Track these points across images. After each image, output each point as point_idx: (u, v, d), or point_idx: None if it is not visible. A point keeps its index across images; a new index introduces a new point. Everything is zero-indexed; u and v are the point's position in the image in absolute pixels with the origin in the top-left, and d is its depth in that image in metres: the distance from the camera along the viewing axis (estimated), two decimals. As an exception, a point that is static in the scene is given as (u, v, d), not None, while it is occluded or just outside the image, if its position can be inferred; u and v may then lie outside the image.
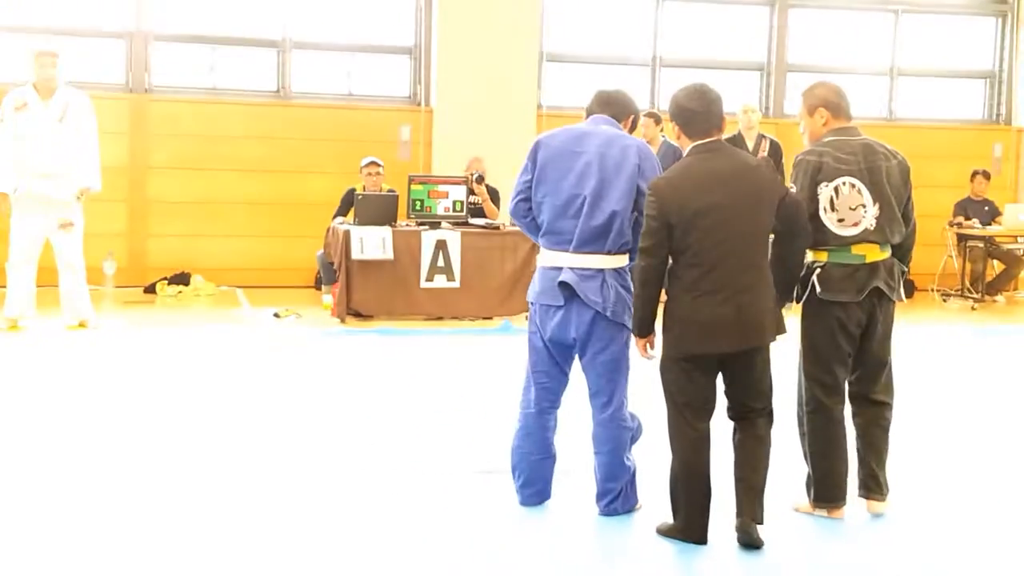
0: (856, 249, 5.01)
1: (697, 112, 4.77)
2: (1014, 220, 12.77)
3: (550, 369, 5.07)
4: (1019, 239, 13.22)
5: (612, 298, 4.89)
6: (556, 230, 4.95)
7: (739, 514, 4.73)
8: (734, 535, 4.73)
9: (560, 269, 4.93)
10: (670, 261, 4.70)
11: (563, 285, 4.91)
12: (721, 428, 4.85)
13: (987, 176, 13.39)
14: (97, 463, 5.66)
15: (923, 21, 14.43)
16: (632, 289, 4.89)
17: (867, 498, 5.21)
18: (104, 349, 8.75)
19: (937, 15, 14.52)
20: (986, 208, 13.01)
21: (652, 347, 4.82)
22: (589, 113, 5.14)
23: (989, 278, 13.23)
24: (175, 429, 6.35)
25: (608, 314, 4.88)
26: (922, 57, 14.37)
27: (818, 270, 5.04)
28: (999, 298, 13.17)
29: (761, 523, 4.72)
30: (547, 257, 5.01)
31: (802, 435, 5.20)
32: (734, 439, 4.84)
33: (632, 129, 5.17)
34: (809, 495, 5.18)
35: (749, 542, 4.70)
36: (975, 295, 12.85)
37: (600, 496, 5.12)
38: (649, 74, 13.66)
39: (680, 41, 13.78)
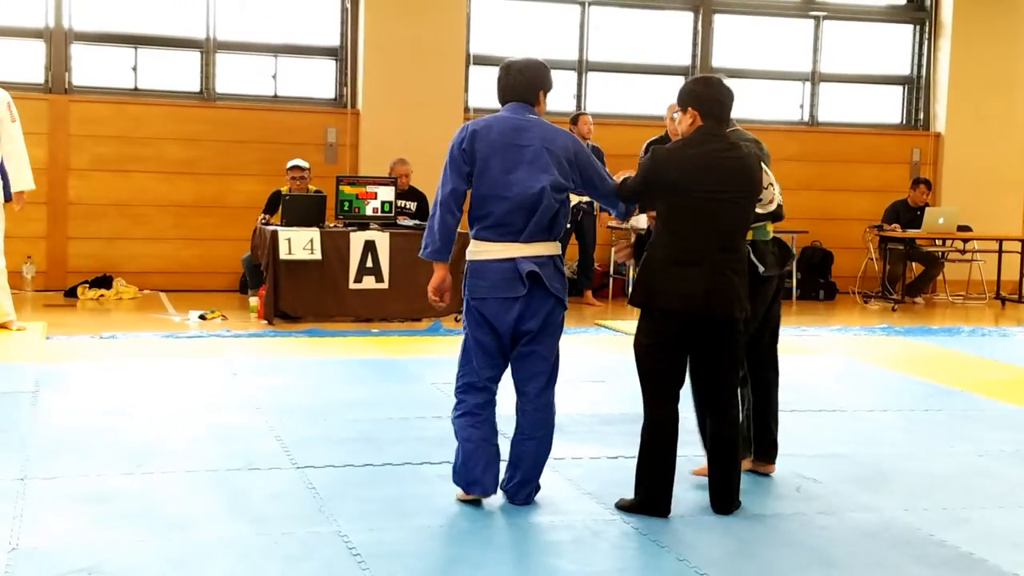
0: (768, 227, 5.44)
1: (718, 101, 4.97)
2: (933, 223, 12.98)
3: (499, 362, 4.98)
4: (937, 241, 13.49)
5: (564, 283, 4.95)
6: (505, 222, 4.82)
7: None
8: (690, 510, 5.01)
9: (512, 260, 4.82)
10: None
11: (532, 276, 4.82)
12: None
13: (929, 186, 13.58)
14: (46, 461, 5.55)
15: (844, 27, 14.65)
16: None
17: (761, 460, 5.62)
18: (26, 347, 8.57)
19: (857, 22, 14.75)
20: (918, 213, 13.17)
21: None
22: (503, 101, 5.00)
23: (909, 280, 13.47)
24: (114, 432, 6.25)
25: (564, 300, 4.93)
26: (842, 62, 14.60)
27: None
28: (918, 300, 13.40)
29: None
30: (492, 249, 4.86)
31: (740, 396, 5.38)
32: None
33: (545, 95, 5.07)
34: (749, 452, 5.55)
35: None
36: (895, 297, 13.05)
37: (522, 484, 5.03)
38: (575, 77, 13.71)
39: (606, 44, 13.85)
